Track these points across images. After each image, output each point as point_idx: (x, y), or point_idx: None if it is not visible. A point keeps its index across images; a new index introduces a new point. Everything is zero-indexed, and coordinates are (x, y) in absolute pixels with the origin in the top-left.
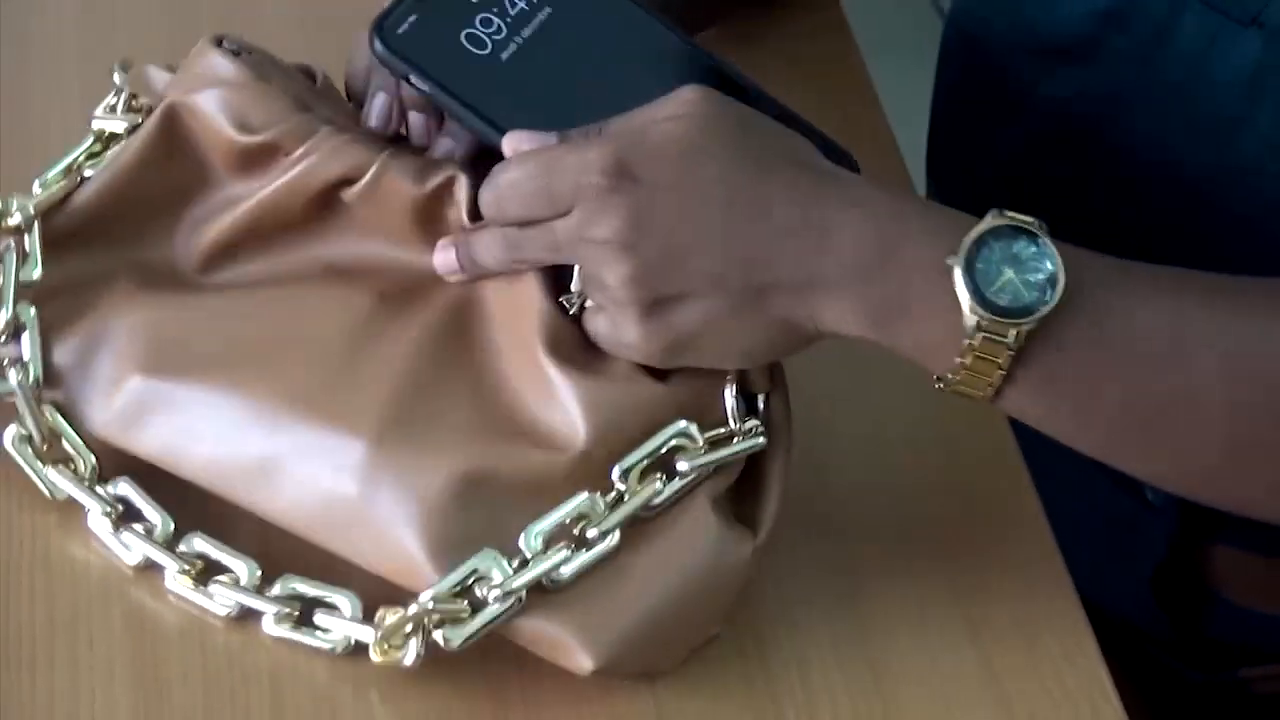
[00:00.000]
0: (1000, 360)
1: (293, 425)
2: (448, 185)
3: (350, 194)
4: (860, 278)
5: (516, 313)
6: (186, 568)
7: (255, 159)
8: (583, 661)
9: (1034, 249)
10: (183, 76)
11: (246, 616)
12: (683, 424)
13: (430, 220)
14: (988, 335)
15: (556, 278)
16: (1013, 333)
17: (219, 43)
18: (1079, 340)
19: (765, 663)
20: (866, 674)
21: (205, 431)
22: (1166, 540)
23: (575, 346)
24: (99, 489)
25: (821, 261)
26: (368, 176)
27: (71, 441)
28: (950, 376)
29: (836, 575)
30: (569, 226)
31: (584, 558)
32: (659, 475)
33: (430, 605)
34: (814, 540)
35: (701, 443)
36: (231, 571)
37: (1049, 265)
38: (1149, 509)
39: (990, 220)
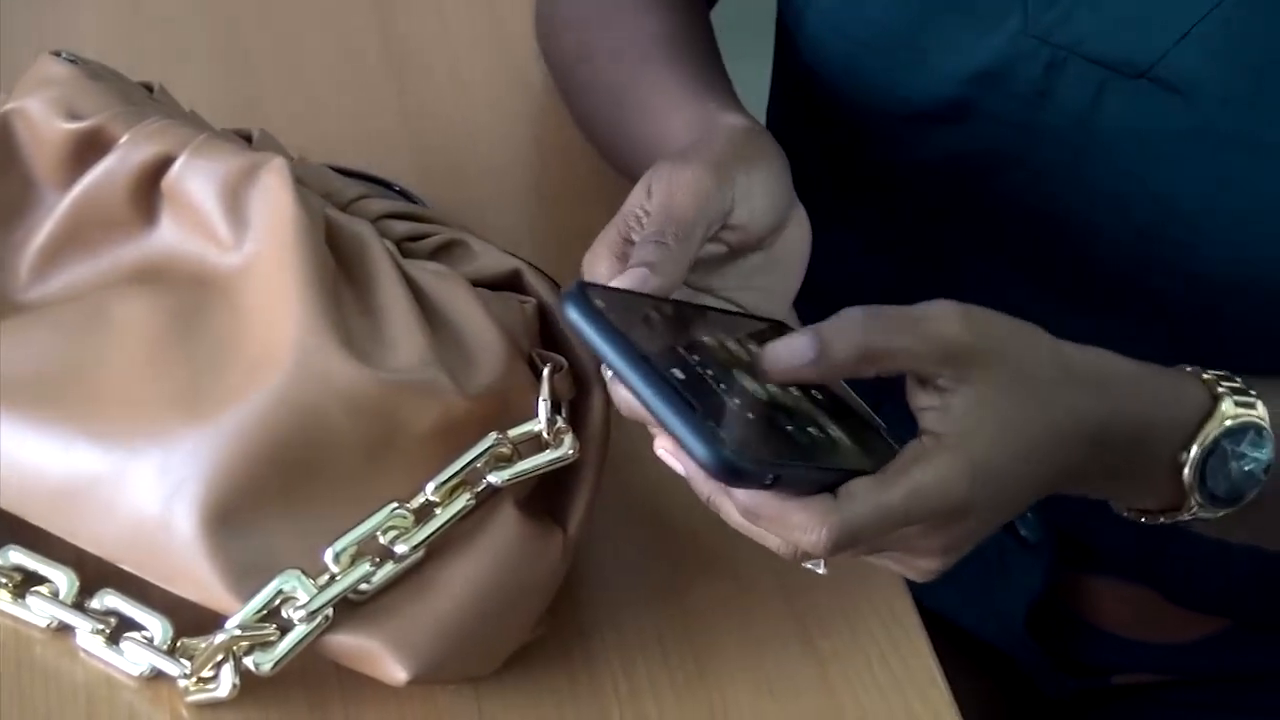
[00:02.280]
0: (1201, 522)
1: (90, 448)
2: (251, 170)
3: (168, 180)
4: (1106, 476)
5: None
6: (4, 580)
7: (83, 154)
8: (396, 672)
9: (1258, 439)
10: (19, 89)
11: (65, 630)
12: (494, 437)
13: (237, 209)
14: (1197, 514)
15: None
16: (1222, 513)
17: (57, 54)
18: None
19: (589, 659)
20: (692, 666)
21: (9, 460)
22: (1043, 574)
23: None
24: None
25: (1086, 488)
26: (184, 153)
27: None
28: (1140, 519)
29: (659, 569)
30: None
31: (390, 570)
32: (469, 488)
33: (237, 632)
34: (635, 534)
35: (513, 455)
36: (50, 583)
37: (1265, 455)
38: (1024, 545)
39: (1229, 415)
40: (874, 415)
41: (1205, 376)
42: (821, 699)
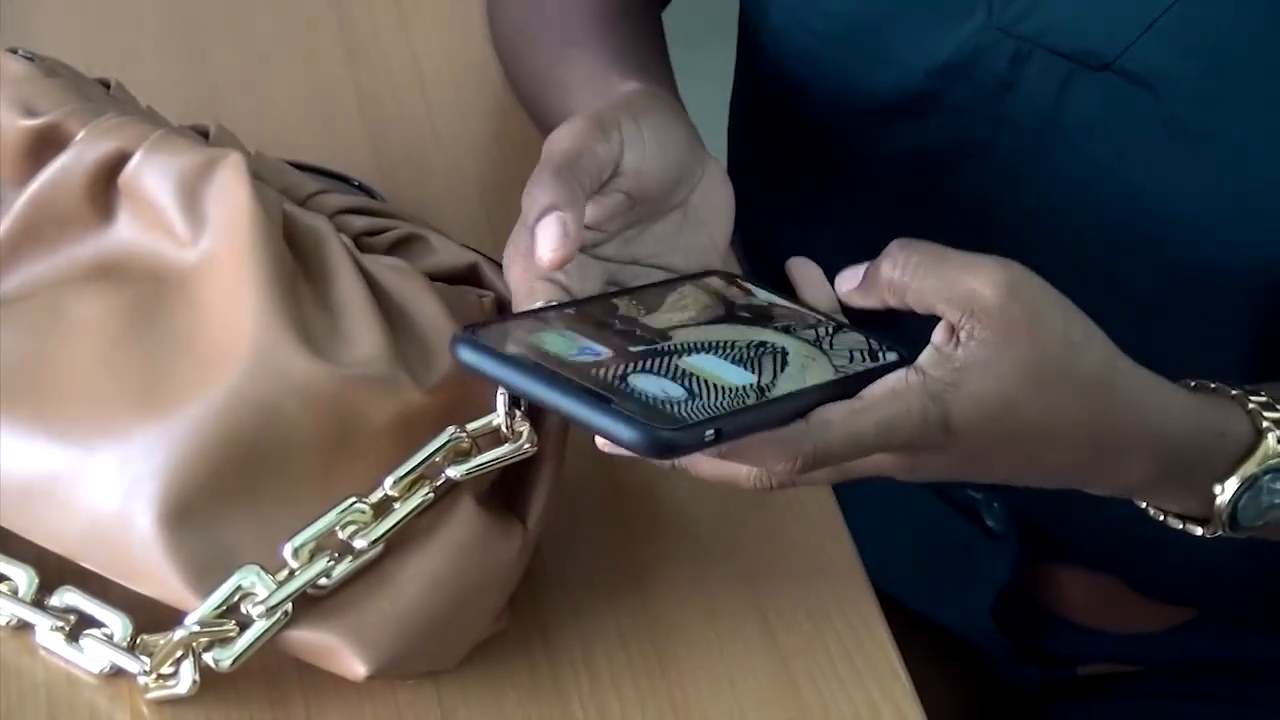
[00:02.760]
0: (1225, 532)
1: (48, 446)
2: (208, 166)
3: (125, 177)
4: (1133, 491)
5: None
6: None
7: (40, 151)
8: (356, 667)
9: None
10: None
11: (24, 627)
12: (453, 431)
13: (194, 205)
14: (1224, 530)
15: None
16: (1247, 532)
17: (13, 51)
18: None
19: (550, 653)
20: (653, 661)
21: None
22: (1009, 565)
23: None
24: None
25: (1108, 486)
26: (141, 150)
27: None
28: (1161, 518)
29: (620, 561)
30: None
31: (349, 565)
32: (428, 482)
33: (196, 628)
34: (598, 528)
35: (472, 449)
36: (10, 580)
37: None
38: (989, 535)
39: (1271, 453)
40: (826, 314)
41: (1250, 406)
42: (783, 690)
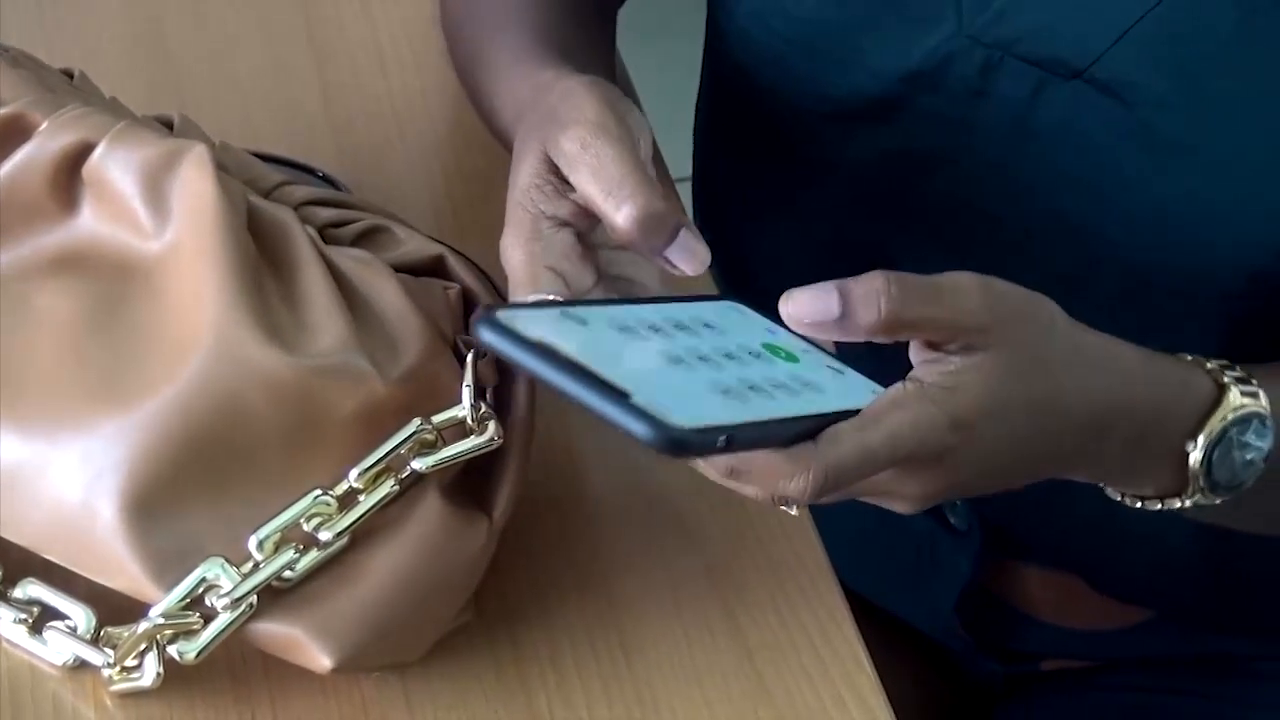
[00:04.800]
0: (1199, 508)
1: (11, 438)
2: (172, 157)
3: (88, 168)
4: (1109, 461)
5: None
6: None
7: (3, 142)
8: (321, 660)
9: (1262, 429)
10: None
11: None
12: (418, 424)
13: (158, 196)
14: (1197, 501)
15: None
16: (1222, 498)
17: None
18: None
19: (516, 647)
20: (619, 655)
21: None
22: (972, 562)
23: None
24: None
25: (1096, 467)
26: (105, 141)
27: None
28: (1138, 505)
29: (586, 555)
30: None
31: (313, 557)
32: (393, 475)
33: (160, 621)
34: (562, 520)
35: (437, 441)
36: None
37: (1266, 444)
38: (952, 533)
39: (1234, 407)
40: (824, 353)
41: (1209, 366)
42: (749, 686)
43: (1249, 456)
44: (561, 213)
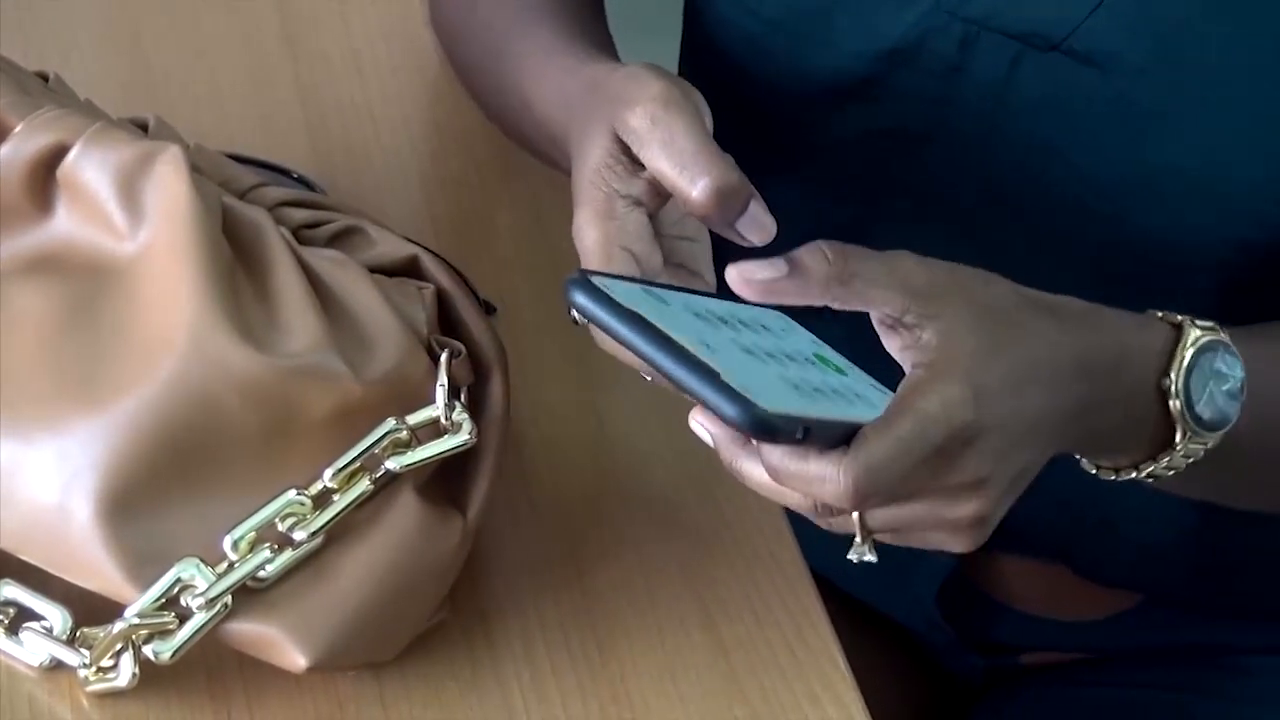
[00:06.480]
0: (1188, 463)
1: None
2: (147, 158)
3: (63, 170)
4: (1096, 412)
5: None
6: None
7: None
8: (296, 659)
9: (1230, 357)
10: None
11: None
12: (392, 423)
13: (133, 198)
14: (1189, 444)
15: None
16: (1212, 440)
17: None
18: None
19: (491, 644)
20: (594, 653)
21: None
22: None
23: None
24: None
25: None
26: (79, 143)
27: None
28: (1130, 475)
29: (561, 554)
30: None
31: (288, 556)
32: (368, 474)
33: (136, 621)
34: (537, 518)
35: (412, 441)
36: None
37: (1239, 372)
38: None
39: (1196, 336)
40: (867, 375)
41: (1158, 315)
42: (724, 683)
43: (1226, 387)
44: (634, 191)
